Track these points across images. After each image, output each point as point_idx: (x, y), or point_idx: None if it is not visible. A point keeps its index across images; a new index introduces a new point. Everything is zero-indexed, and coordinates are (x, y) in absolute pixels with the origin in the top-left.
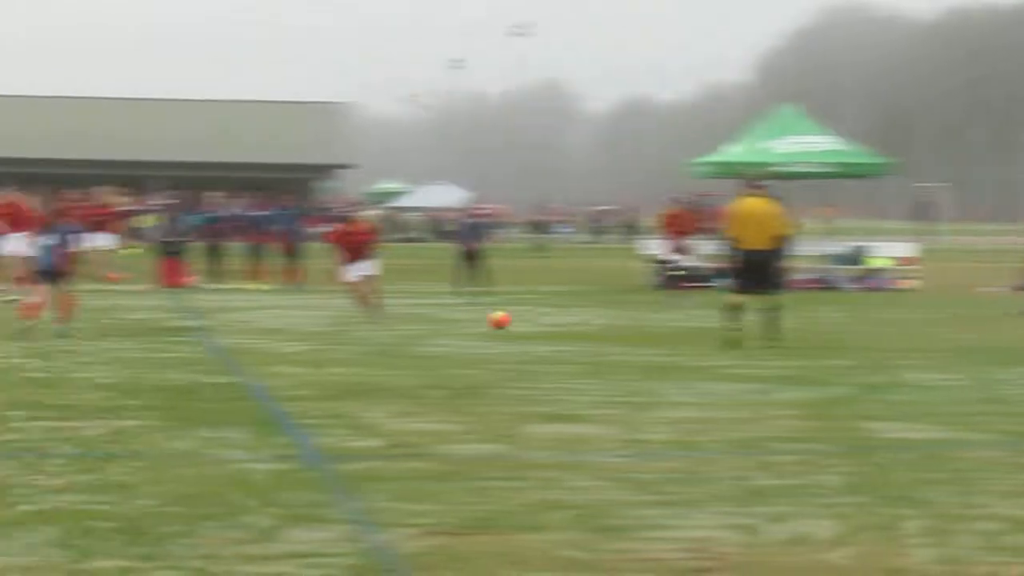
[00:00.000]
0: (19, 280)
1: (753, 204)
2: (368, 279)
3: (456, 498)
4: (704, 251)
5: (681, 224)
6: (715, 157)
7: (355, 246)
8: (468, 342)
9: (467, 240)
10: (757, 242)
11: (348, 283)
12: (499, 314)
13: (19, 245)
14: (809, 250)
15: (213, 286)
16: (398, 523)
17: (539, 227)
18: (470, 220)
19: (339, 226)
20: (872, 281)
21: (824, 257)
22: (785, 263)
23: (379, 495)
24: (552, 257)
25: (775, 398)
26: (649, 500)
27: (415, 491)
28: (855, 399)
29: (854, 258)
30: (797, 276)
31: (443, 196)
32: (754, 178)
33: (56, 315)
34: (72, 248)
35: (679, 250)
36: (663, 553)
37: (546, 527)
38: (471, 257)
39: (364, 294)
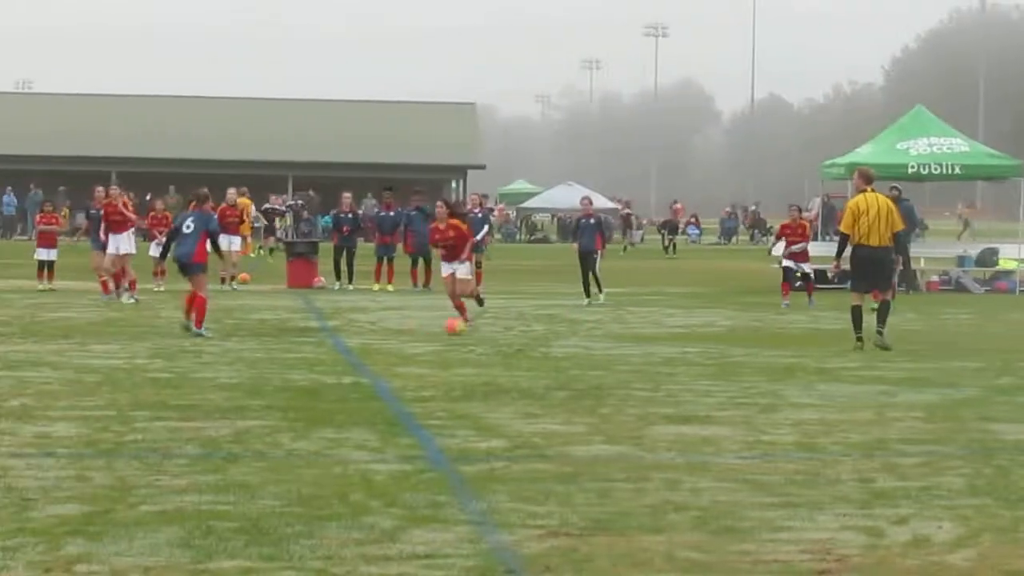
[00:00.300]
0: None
1: (870, 200)
2: (453, 279)
3: (578, 499)
4: (826, 253)
5: (797, 232)
6: (848, 158)
7: (441, 244)
8: (593, 343)
9: (582, 240)
10: (874, 238)
11: (444, 280)
12: (455, 321)
13: (127, 245)
14: (940, 252)
15: (339, 287)
16: (520, 524)
17: (668, 228)
18: (585, 220)
19: (433, 223)
20: (1001, 283)
21: (954, 259)
22: (901, 259)
23: (502, 496)
24: (680, 258)
25: (899, 400)
26: (771, 502)
27: (538, 492)
28: (980, 401)
29: (986, 260)
30: (927, 279)
31: (570, 197)
32: (866, 174)
33: (191, 312)
34: (209, 241)
35: (795, 256)
36: (784, 555)
37: (668, 528)
38: (587, 256)
39: (452, 293)
